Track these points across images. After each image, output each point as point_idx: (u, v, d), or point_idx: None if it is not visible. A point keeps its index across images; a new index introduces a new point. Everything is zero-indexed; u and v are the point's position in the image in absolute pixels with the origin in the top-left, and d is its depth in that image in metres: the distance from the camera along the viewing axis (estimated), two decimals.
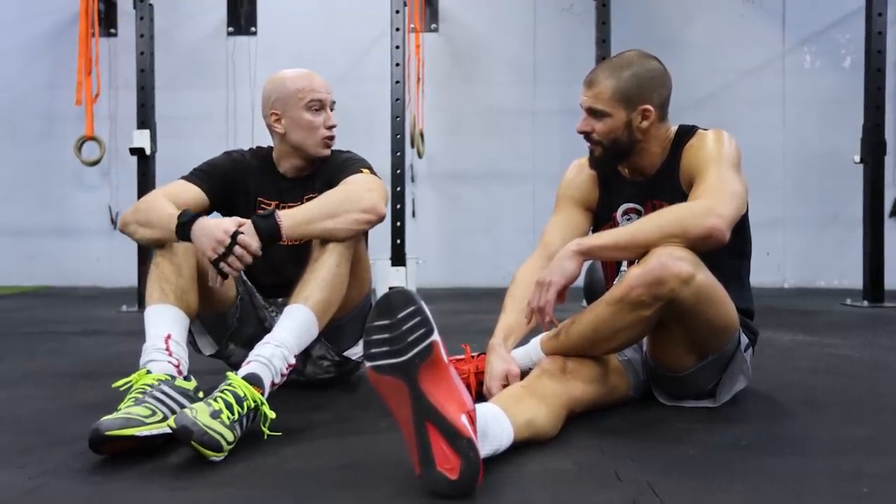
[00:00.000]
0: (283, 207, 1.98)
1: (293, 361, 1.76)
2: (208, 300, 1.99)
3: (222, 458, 1.50)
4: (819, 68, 6.26)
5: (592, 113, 1.95)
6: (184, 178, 2.12)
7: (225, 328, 2.13)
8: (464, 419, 1.29)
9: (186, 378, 1.70)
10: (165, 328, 1.77)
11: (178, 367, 1.72)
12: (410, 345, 1.29)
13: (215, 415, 1.51)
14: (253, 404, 1.60)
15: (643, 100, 1.91)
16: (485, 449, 1.38)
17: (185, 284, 1.86)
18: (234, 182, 2.18)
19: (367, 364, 1.33)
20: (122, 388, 1.66)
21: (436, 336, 1.31)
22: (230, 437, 1.51)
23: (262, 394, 1.63)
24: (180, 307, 1.83)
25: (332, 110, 2.17)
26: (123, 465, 1.48)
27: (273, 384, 1.70)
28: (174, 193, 2.02)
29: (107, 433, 1.47)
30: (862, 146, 4.91)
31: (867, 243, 4.92)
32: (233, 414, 1.54)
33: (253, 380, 1.64)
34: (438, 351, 1.30)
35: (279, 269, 2.17)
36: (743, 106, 6.16)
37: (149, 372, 1.67)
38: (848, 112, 5.65)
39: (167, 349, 1.73)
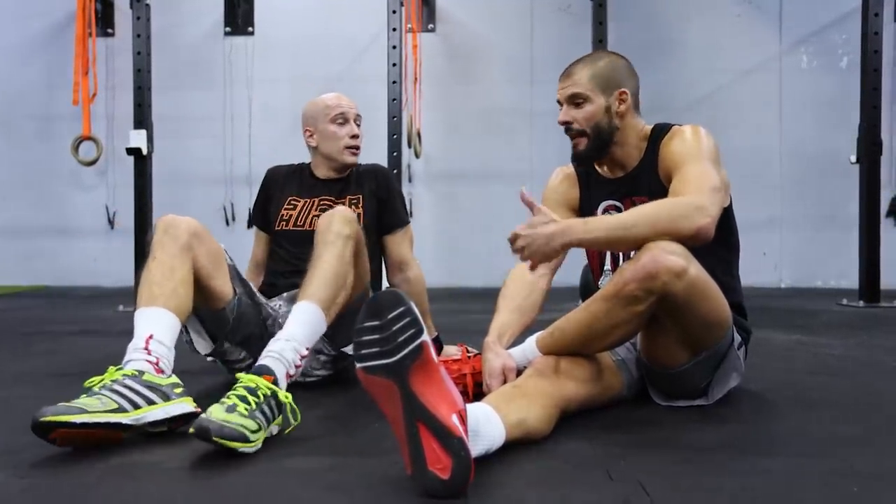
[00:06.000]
0: (318, 202, 2.43)
1: (305, 353, 1.81)
2: (205, 296, 2.03)
3: (255, 447, 1.53)
4: (815, 68, 6.26)
5: (572, 101, 2.00)
6: (252, 221, 2.69)
7: (223, 324, 2.14)
8: (455, 419, 1.29)
9: (167, 375, 1.70)
10: (148, 329, 1.77)
11: (156, 364, 1.70)
12: (400, 345, 1.30)
13: (230, 409, 1.53)
14: (268, 391, 1.61)
15: (619, 84, 1.99)
16: (476, 448, 1.38)
17: (178, 285, 1.88)
18: (271, 190, 2.56)
19: (358, 365, 1.33)
20: (94, 386, 1.63)
21: (425, 336, 1.31)
22: (252, 425, 1.53)
23: (274, 381, 1.65)
24: (168, 308, 1.83)
25: (358, 124, 2.50)
26: (116, 466, 1.48)
27: (289, 376, 1.74)
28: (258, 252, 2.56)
29: (41, 419, 1.46)
30: (858, 146, 4.92)
31: (863, 243, 4.92)
32: (249, 404, 1.56)
33: (261, 370, 1.67)
34: (428, 351, 1.30)
35: (281, 273, 2.31)
36: (739, 106, 6.17)
37: (120, 369, 1.67)
38: (844, 112, 5.66)
39: (146, 348, 1.72)
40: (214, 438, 1.46)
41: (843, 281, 6.03)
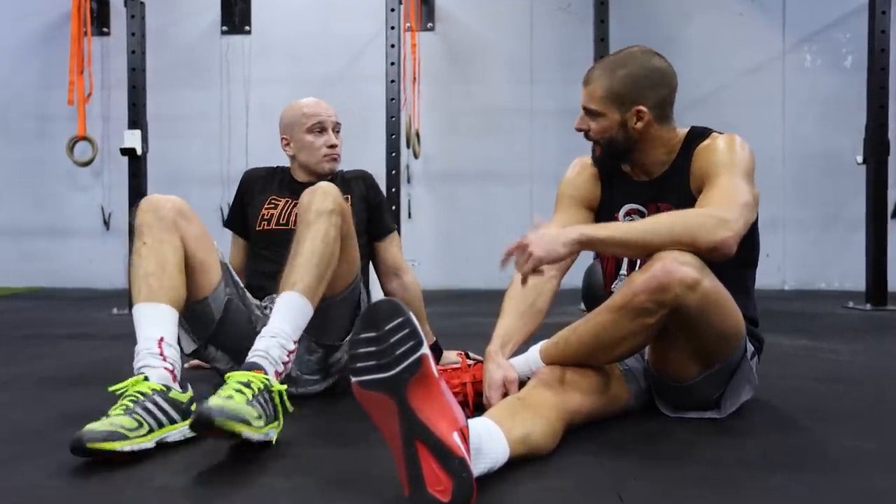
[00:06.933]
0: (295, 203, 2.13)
1: (293, 348, 1.74)
2: (188, 282, 1.93)
3: (261, 435, 1.50)
4: (819, 67, 6.20)
5: (588, 112, 1.89)
6: (227, 224, 2.50)
7: (205, 321, 2.04)
8: (455, 437, 1.22)
9: (182, 386, 1.67)
10: (157, 330, 1.72)
11: (172, 371, 1.68)
12: (398, 359, 1.22)
13: (228, 398, 1.49)
14: (262, 385, 1.57)
15: (636, 101, 1.84)
16: (478, 467, 1.31)
17: (173, 277, 1.82)
18: (248, 191, 2.45)
19: (353, 379, 1.26)
20: (117, 392, 1.60)
21: (425, 349, 1.24)
22: (252, 413, 1.48)
23: (264, 373, 1.61)
24: (171, 303, 1.78)
25: (336, 132, 2.41)
26: (104, 478, 1.42)
27: (277, 374, 1.68)
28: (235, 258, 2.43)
29: (89, 445, 1.43)
30: (865, 146, 4.84)
31: (870, 245, 4.85)
32: (245, 395, 1.52)
33: (251, 367, 1.63)
34: (428, 365, 1.23)
35: (268, 274, 2.15)
36: (742, 106, 6.10)
37: (146, 379, 1.63)
38: (848, 112, 5.60)
39: (161, 353, 1.68)
40: (216, 420, 1.40)
41: (848, 283, 5.96)
